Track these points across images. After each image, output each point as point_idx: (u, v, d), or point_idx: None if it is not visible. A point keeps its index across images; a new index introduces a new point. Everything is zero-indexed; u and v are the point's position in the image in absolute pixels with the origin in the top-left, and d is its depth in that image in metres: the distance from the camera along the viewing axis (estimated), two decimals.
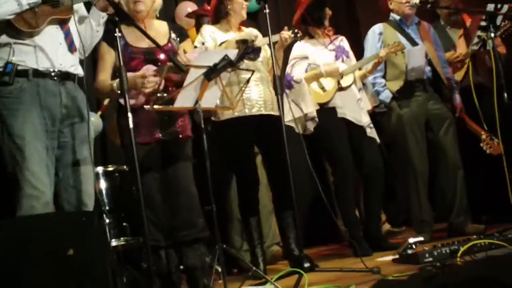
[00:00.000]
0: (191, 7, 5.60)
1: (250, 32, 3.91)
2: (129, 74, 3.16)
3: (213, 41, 3.85)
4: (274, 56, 3.62)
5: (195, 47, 3.78)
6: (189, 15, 5.08)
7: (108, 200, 3.75)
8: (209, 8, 4.61)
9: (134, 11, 3.44)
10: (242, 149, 3.88)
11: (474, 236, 3.31)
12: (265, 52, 3.98)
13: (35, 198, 2.77)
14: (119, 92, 3.15)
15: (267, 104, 3.88)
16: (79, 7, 3.03)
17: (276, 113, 3.80)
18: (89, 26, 3.05)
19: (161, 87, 3.31)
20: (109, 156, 4.88)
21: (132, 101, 3.22)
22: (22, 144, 2.80)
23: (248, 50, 3.74)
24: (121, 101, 3.21)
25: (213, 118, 3.92)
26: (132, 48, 3.42)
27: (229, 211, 4.38)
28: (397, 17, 4.53)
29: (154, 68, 3.35)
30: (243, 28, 4.04)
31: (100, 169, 3.76)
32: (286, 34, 3.81)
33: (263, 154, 4.11)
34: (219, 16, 3.97)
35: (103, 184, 3.76)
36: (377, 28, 4.55)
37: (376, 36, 4.52)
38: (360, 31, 5.95)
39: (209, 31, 3.92)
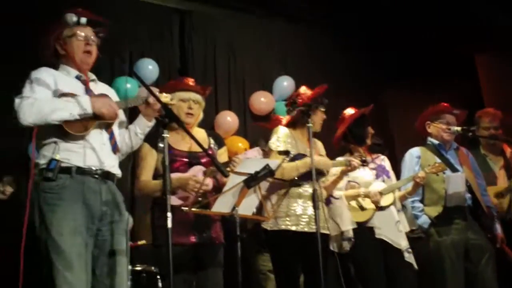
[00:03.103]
0: (231, 117, 5.71)
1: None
2: (182, 174, 3.19)
3: (283, 144, 3.86)
4: (313, 173, 3.58)
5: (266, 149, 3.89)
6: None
7: None
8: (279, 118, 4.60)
9: (184, 121, 3.52)
10: (288, 265, 3.78)
11: None
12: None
13: None
14: None
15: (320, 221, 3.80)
16: (120, 112, 3.10)
17: (326, 231, 3.75)
18: (133, 132, 3.11)
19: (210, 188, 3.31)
20: (134, 256, 4.79)
21: (180, 202, 3.27)
22: (60, 239, 2.77)
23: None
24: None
25: (264, 226, 3.84)
26: (174, 151, 3.48)
27: None
28: (436, 142, 4.48)
29: (203, 169, 3.37)
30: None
31: None
32: (356, 162, 3.86)
33: (303, 270, 3.94)
34: (298, 123, 3.99)
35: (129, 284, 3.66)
36: (415, 151, 4.50)
37: (414, 159, 4.47)
38: (395, 152, 5.94)
39: (284, 134, 3.92)
